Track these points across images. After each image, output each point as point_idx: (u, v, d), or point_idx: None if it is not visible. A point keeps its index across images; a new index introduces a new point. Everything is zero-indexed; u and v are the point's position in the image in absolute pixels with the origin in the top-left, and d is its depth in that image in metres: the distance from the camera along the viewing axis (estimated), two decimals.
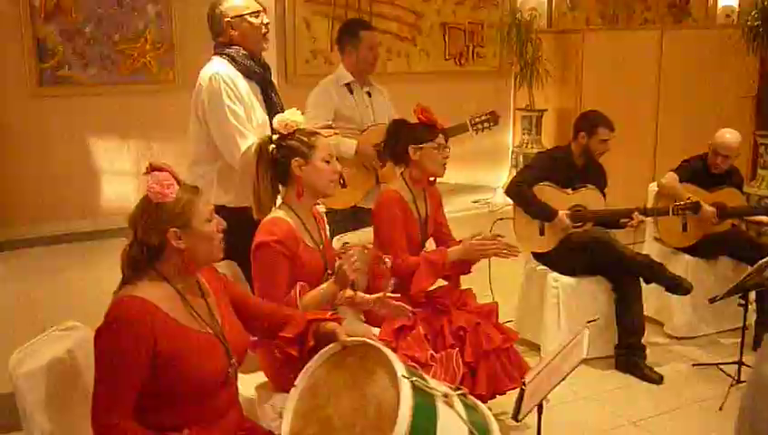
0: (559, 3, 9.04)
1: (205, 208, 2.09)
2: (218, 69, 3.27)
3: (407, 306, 2.88)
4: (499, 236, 3.37)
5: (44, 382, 2.10)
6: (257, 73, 3.39)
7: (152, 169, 2.06)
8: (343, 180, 4.02)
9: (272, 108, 3.40)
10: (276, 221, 2.72)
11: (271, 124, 3.34)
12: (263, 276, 2.67)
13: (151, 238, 2.03)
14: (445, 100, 7.98)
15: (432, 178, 3.47)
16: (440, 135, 3.36)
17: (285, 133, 2.76)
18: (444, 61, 8.51)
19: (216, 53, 3.38)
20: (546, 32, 8.50)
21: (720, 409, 3.71)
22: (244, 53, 3.35)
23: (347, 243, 3.09)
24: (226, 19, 3.33)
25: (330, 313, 2.30)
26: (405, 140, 3.35)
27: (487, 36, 8.70)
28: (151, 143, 7.24)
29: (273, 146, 2.77)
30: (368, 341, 2.07)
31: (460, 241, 3.44)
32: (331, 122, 3.83)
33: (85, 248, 6.62)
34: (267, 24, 3.43)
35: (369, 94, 4.27)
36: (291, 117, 2.78)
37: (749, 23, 5.96)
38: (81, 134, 6.96)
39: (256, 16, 3.37)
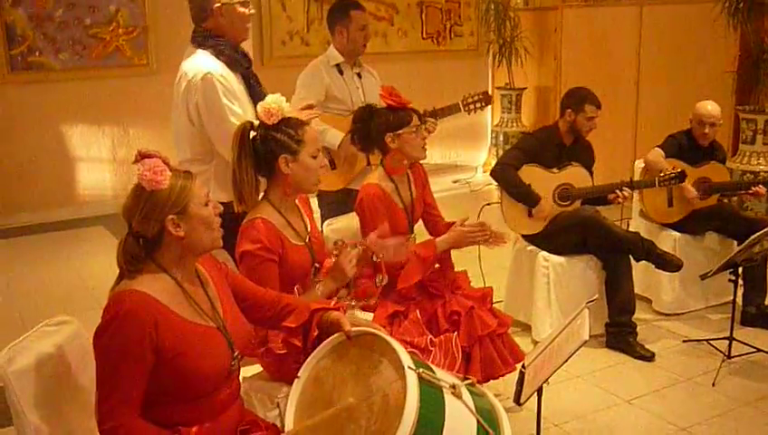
0: None
1: (200, 192, 2.02)
2: (209, 66, 3.13)
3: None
4: (482, 223, 3.30)
5: (35, 380, 2.04)
6: (242, 66, 3.28)
7: (142, 156, 1.98)
8: (333, 163, 3.98)
9: (256, 99, 3.25)
10: (258, 225, 2.55)
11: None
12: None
13: (149, 228, 1.95)
14: (423, 79, 8.00)
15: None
16: (414, 116, 3.23)
17: (270, 123, 2.57)
18: (422, 40, 8.46)
19: (198, 45, 3.22)
20: (524, 9, 8.47)
21: (713, 384, 3.72)
22: (230, 44, 3.23)
23: (340, 240, 2.97)
24: (216, 5, 3.17)
25: (333, 302, 2.24)
26: (380, 129, 3.20)
27: (465, 15, 8.65)
28: (127, 128, 7.13)
29: (256, 134, 2.58)
30: (373, 330, 2.02)
31: (449, 223, 3.38)
32: (314, 102, 3.72)
33: (63, 237, 6.52)
34: (252, 14, 3.32)
35: (360, 76, 4.20)
36: (275, 104, 2.56)
37: None
38: (54, 121, 6.84)
39: (245, 6, 3.24)
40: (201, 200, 2.01)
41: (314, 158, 2.62)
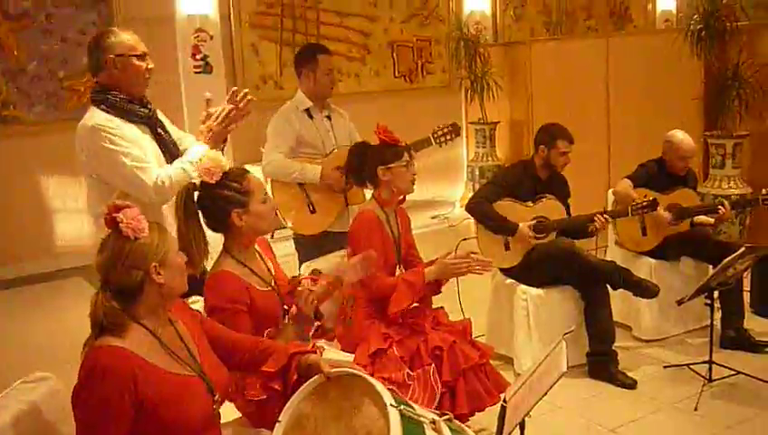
0: (503, 15, 9.18)
1: (173, 240, 2.09)
2: (96, 120, 3.01)
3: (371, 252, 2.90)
4: (473, 253, 3.37)
5: None
6: (140, 115, 3.12)
7: (117, 208, 2.00)
8: (312, 206, 4.03)
9: (163, 144, 3.18)
10: (221, 278, 2.57)
11: (166, 160, 3.11)
12: None
13: (131, 278, 1.95)
14: (397, 117, 8.01)
15: (402, 197, 3.48)
16: (405, 153, 3.39)
17: (213, 182, 2.54)
18: (394, 78, 8.57)
19: (92, 103, 3.08)
20: (493, 45, 8.61)
21: (695, 409, 3.74)
22: (123, 97, 3.06)
23: (316, 269, 3.01)
24: (111, 55, 3.02)
25: (310, 345, 2.26)
26: (372, 163, 3.37)
27: (435, 52, 8.79)
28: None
29: (202, 194, 2.56)
30: (352, 371, 2.04)
31: (429, 263, 3.43)
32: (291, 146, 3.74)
33: (41, 290, 6.47)
34: (151, 69, 3.14)
35: (330, 118, 4.24)
36: (213, 162, 2.53)
37: (691, 26, 6.09)
38: (30, 173, 6.82)
39: (142, 59, 3.08)
40: (175, 248, 2.07)
41: (264, 203, 2.63)
